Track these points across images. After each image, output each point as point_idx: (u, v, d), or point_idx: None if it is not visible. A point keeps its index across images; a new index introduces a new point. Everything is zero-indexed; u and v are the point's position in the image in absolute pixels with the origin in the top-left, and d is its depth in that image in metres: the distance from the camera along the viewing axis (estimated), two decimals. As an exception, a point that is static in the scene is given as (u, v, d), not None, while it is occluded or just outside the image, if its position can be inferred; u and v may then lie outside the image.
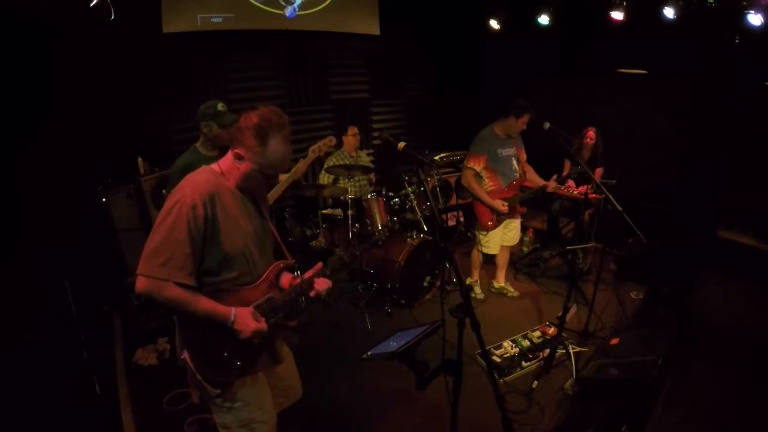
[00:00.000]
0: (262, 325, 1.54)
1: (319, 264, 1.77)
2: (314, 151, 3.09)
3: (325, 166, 4.31)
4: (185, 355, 1.54)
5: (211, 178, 1.52)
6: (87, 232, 3.35)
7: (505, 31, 5.26)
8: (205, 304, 1.46)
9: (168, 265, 1.40)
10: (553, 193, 3.57)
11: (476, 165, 3.47)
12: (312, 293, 1.75)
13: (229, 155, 1.55)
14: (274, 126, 1.46)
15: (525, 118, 3.37)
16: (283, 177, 2.91)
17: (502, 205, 3.44)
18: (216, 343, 1.52)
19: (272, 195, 2.85)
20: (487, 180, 3.51)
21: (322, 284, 1.75)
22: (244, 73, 4.77)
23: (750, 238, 4.23)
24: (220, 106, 2.42)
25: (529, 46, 5.44)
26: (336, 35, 5.24)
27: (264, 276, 1.64)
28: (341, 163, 4.26)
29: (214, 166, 1.58)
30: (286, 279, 1.75)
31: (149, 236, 1.44)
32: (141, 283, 1.41)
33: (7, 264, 2.79)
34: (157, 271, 1.39)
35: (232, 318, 1.48)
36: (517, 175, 3.57)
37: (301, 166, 2.97)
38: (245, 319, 1.51)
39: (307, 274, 1.76)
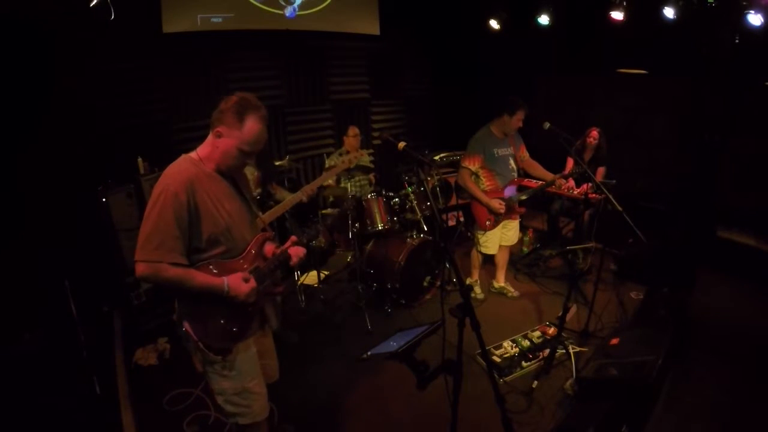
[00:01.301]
0: (253, 284, 1.70)
1: (293, 237, 1.94)
2: (344, 162, 3.14)
3: (326, 166, 4.30)
4: (186, 326, 1.69)
5: (189, 166, 1.66)
6: (87, 232, 3.35)
7: (505, 31, 5.27)
8: (199, 278, 1.62)
9: (160, 249, 1.55)
10: (553, 193, 3.57)
11: (471, 165, 3.47)
12: (292, 260, 1.90)
13: (208, 140, 1.69)
14: (252, 105, 1.63)
15: (519, 115, 3.35)
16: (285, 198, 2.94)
17: (498, 204, 3.44)
18: (213, 313, 1.69)
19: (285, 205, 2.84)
20: (484, 180, 3.51)
21: (296, 250, 1.92)
22: (244, 73, 4.77)
23: (750, 238, 4.23)
24: None
25: (529, 46, 5.44)
26: (336, 35, 5.24)
27: (248, 248, 1.79)
28: (357, 164, 4.25)
29: (192, 154, 1.71)
30: (269, 249, 1.90)
31: (141, 226, 1.59)
32: (140, 268, 1.57)
33: (7, 264, 2.78)
34: (152, 255, 1.55)
35: (226, 287, 1.64)
36: (515, 174, 3.57)
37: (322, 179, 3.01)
38: (237, 285, 1.66)
39: (286, 245, 1.91)
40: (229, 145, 1.64)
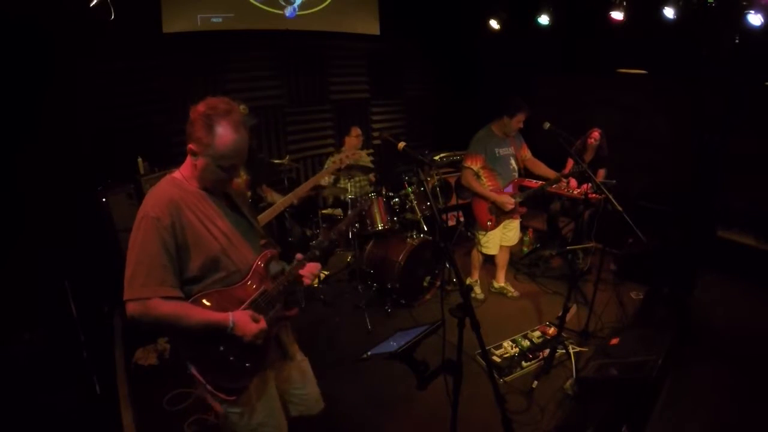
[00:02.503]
0: (263, 325, 1.50)
1: (299, 255, 1.73)
2: (335, 162, 3.12)
3: (326, 166, 4.30)
4: (193, 370, 1.51)
5: (170, 187, 1.48)
6: (87, 232, 3.35)
7: (505, 31, 5.26)
8: (199, 315, 1.42)
9: (148, 283, 1.38)
10: (553, 193, 3.56)
11: (474, 164, 3.47)
12: (304, 279, 1.72)
13: (187, 159, 1.51)
14: (220, 112, 1.41)
15: (519, 117, 3.35)
16: (278, 200, 2.90)
17: (509, 199, 3.43)
18: (220, 351, 1.48)
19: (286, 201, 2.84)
20: (485, 180, 3.51)
21: (310, 268, 1.73)
22: (244, 73, 4.78)
23: (750, 238, 4.23)
24: (241, 109, 2.41)
25: (529, 46, 5.44)
26: (336, 35, 5.25)
27: (253, 270, 1.59)
28: (348, 164, 4.26)
29: (176, 173, 1.54)
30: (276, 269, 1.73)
31: (126, 260, 1.42)
32: (129, 308, 1.39)
33: (7, 264, 2.78)
34: (140, 291, 1.37)
35: (231, 324, 1.44)
36: (516, 174, 3.57)
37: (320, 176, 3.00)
38: (244, 324, 1.46)
39: (294, 265, 1.73)
40: (206, 164, 1.45)
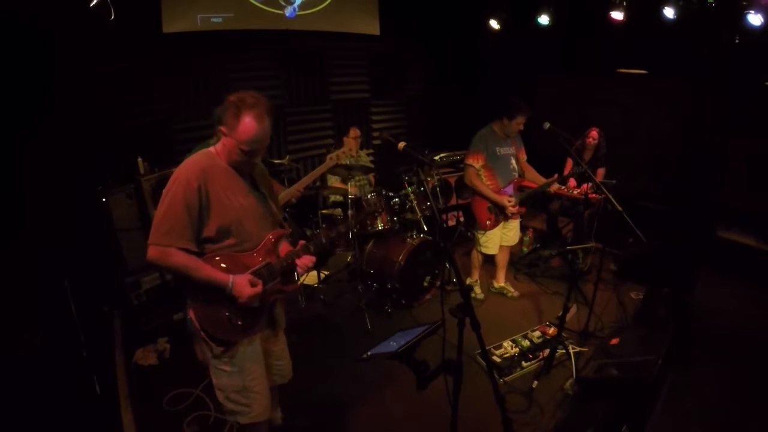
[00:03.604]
0: (258, 289, 1.68)
1: (302, 242, 1.93)
2: (332, 158, 3.13)
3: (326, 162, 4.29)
4: (190, 313, 1.70)
5: (204, 158, 1.71)
6: (87, 232, 3.34)
7: (505, 31, 5.26)
8: (206, 271, 1.63)
9: (170, 234, 1.59)
10: (553, 192, 3.56)
11: (476, 162, 3.46)
12: (297, 267, 1.89)
13: (222, 137, 1.72)
14: (248, 104, 1.61)
15: (519, 119, 3.34)
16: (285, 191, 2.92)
17: (508, 201, 3.43)
18: (219, 304, 1.67)
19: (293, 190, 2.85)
20: (485, 179, 3.51)
21: (304, 260, 1.89)
22: (244, 73, 4.77)
23: (750, 238, 4.23)
24: None
25: (529, 46, 5.44)
26: (336, 35, 5.24)
27: (262, 244, 1.80)
28: (341, 163, 4.26)
29: (211, 148, 1.76)
30: (284, 248, 1.90)
31: (155, 212, 1.64)
32: (150, 251, 1.60)
33: (7, 264, 2.78)
34: (162, 239, 1.59)
35: (230, 285, 1.64)
36: (516, 174, 3.57)
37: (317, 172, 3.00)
38: (241, 286, 1.65)
39: (298, 247, 1.92)
40: (232, 145, 1.67)
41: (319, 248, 1.99)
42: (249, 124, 1.62)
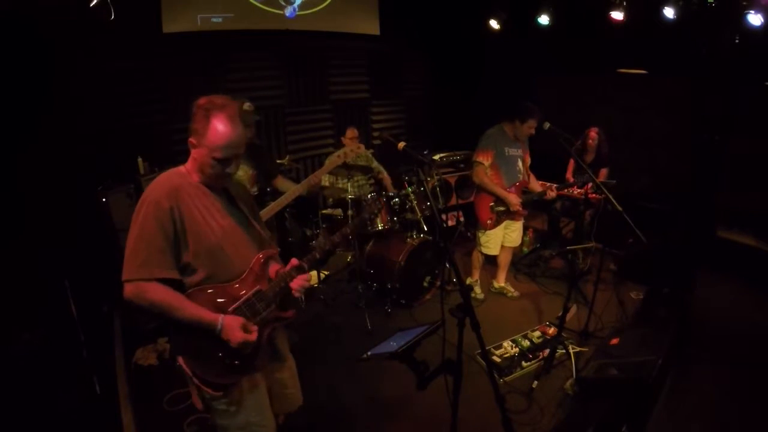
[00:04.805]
0: (251, 336, 1.49)
1: (294, 260, 1.69)
2: (339, 156, 3.08)
3: (325, 164, 4.29)
4: (180, 360, 1.54)
5: (172, 176, 1.53)
6: (87, 232, 3.35)
7: (505, 31, 5.26)
8: (191, 310, 1.44)
9: (146, 265, 1.41)
10: (551, 198, 3.57)
11: (485, 160, 3.44)
12: (293, 291, 1.67)
13: (191, 152, 1.55)
14: (217, 105, 1.47)
15: (531, 123, 3.34)
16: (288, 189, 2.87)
17: (515, 199, 3.43)
18: (209, 345, 1.48)
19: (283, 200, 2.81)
20: (491, 177, 3.50)
21: (299, 281, 1.66)
22: (244, 73, 4.78)
23: (750, 238, 4.23)
24: (246, 106, 2.38)
25: (529, 46, 5.44)
26: (336, 35, 5.25)
27: (249, 269, 1.59)
28: (348, 161, 4.25)
29: (180, 167, 1.58)
30: (273, 269, 1.69)
31: (126, 242, 1.45)
32: (126, 289, 1.43)
33: (6, 264, 2.78)
34: (138, 272, 1.41)
35: (219, 327, 1.45)
36: (521, 176, 3.56)
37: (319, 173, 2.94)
38: (232, 330, 1.46)
39: (288, 267, 1.68)
40: (203, 155, 1.48)
41: (314, 265, 1.79)
42: (220, 126, 1.44)
